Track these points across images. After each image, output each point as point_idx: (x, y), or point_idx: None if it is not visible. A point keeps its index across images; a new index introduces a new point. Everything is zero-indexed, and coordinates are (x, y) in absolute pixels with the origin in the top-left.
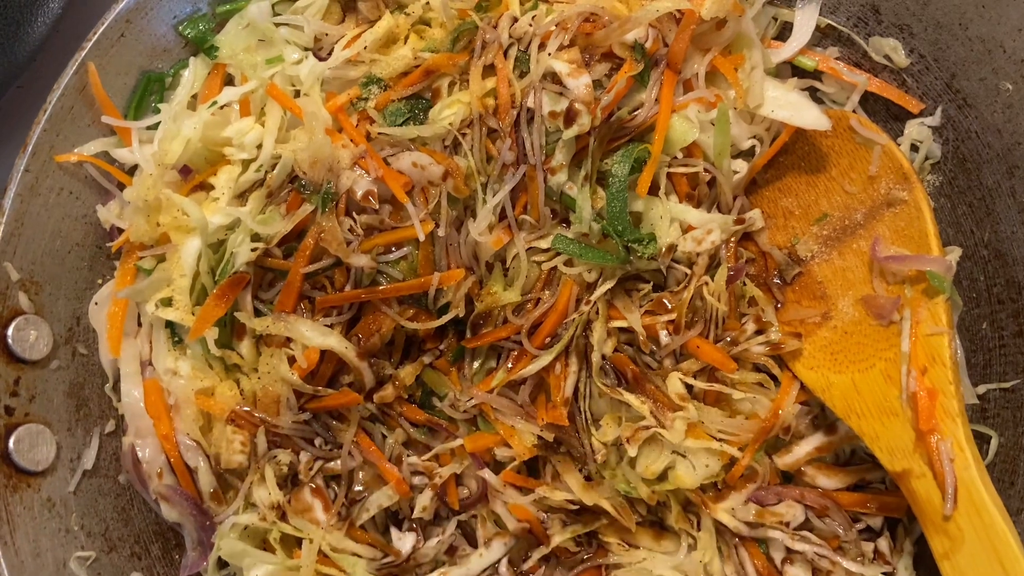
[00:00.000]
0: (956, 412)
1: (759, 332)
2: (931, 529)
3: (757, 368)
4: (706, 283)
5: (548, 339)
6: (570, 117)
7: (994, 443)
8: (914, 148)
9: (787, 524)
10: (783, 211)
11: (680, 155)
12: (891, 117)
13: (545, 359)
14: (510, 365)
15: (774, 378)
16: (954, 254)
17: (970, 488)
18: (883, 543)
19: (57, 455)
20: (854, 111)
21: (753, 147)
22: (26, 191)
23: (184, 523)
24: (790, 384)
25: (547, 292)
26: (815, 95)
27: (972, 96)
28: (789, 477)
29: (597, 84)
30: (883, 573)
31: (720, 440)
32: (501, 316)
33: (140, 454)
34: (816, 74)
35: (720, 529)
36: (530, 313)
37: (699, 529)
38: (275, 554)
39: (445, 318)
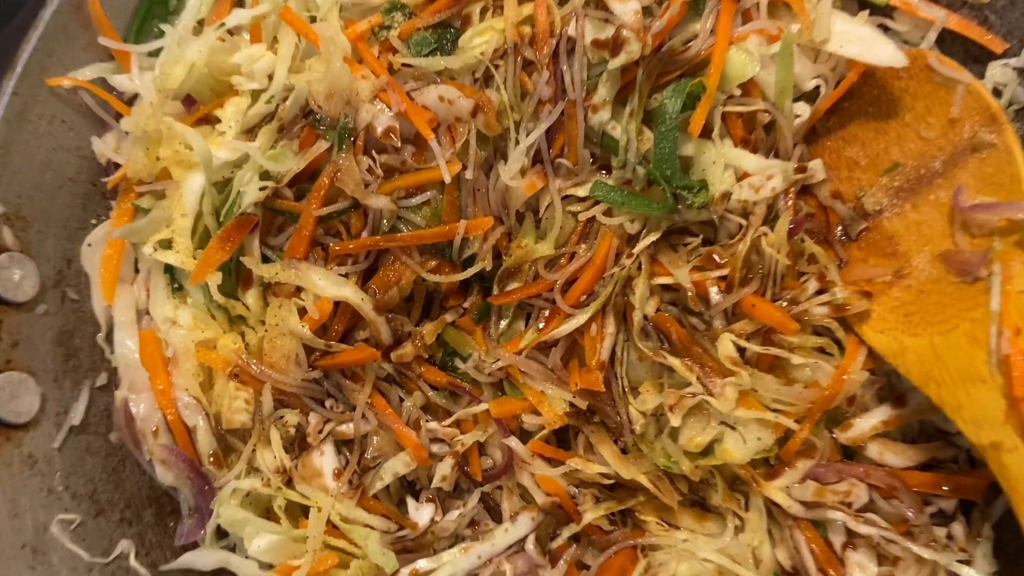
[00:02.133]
0: None
1: (821, 292)
2: None
3: (819, 332)
4: (764, 234)
5: (583, 297)
6: (616, 45)
7: None
8: (996, 92)
9: (849, 505)
10: (847, 162)
11: (737, 93)
12: (970, 59)
13: (580, 319)
14: (541, 325)
15: (838, 343)
16: None
17: None
18: (958, 528)
19: (41, 408)
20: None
21: (817, 88)
22: (14, 116)
23: (180, 487)
24: (856, 349)
25: (583, 245)
26: (885, 33)
27: None
28: (851, 454)
29: (647, 11)
30: (958, 561)
31: (775, 411)
32: (532, 271)
33: (134, 410)
34: (887, 10)
35: (772, 510)
36: (564, 268)
37: (748, 509)
38: (279, 523)
39: (471, 271)
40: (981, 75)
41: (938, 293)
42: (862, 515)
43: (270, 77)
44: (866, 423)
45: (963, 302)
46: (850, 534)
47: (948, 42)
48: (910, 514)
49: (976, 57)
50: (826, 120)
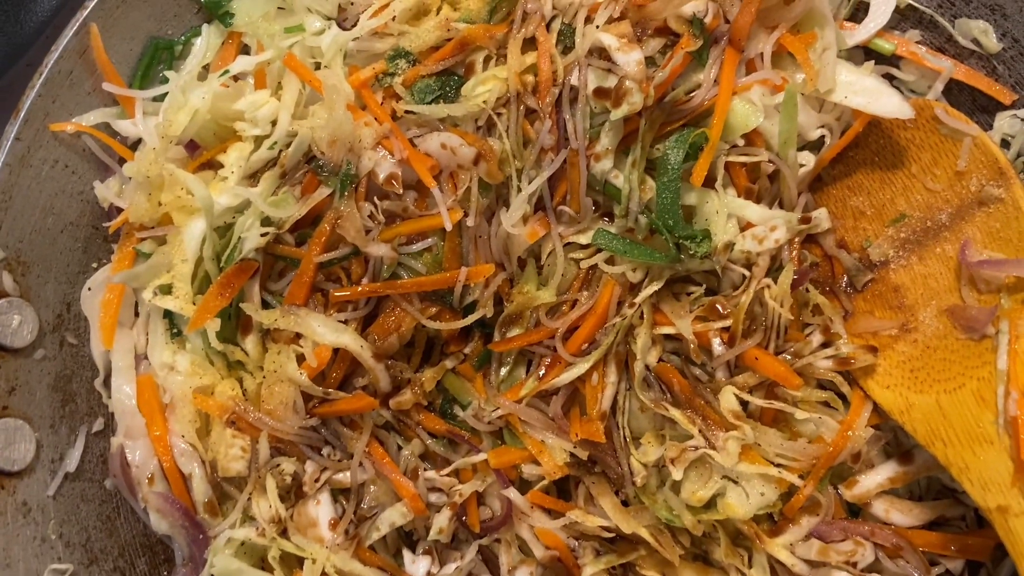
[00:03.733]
0: None
1: (826, 345)
2: None
3: (823, 386)
4: (767, 286)
5: (585, 345)
6: (619, 96)
7: None
8: (1005, 144)
9: (854, 564)
10: (853, 211)
11: (741, 143)
12: (978, 109)
13: (581, 367)
14: (542, 373)
15: (843, 397)
16: None
17: None
18: None
19: (37, 455)
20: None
21: (822, 138)
22: (16, 161)
23: (175, 536)
24: (861, 404)
25: (585, 293)
26: (892, 83)
27: None
28: (857, 511)
29: (650, 61)
30: None
31: (779, 466)
32: (533, 318)
33: (130, 457)
34: (894, 59)
35: (775, 567)
36: (566, 316)
37: (751, 566)
38: (274, 574)
39: (472, 318)
40: (989, 126)
41: (944, 349)
42: (867, 575)
43: (273, 123)
44: (872, 480)
45: (970, 359)
46: None
47: (956, 92)
48: (916, 575)
49: (984, 107)
50: (832, 168)
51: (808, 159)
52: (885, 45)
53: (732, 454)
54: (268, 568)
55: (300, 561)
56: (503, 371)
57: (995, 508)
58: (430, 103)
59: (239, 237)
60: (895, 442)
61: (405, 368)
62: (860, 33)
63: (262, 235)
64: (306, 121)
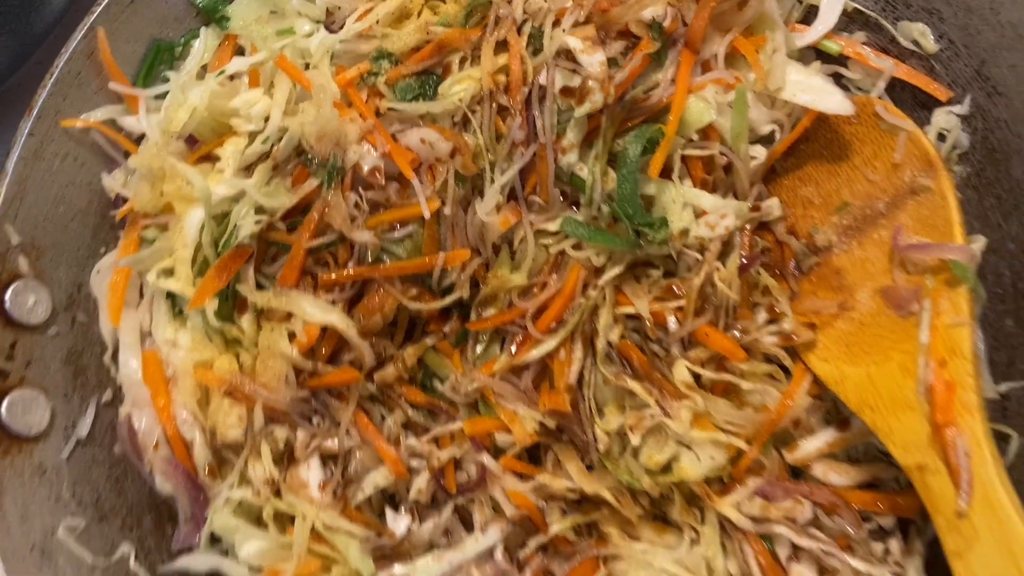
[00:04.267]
0: (975, 406)
1: (772, 322)
2: (944, 526)
3: (768, 359)
4: (717, 269)
5: (553, 324)
6: (583, 94)
7: (1015, 443)
8: (941, 137)
9: (794, 520)
10: (802, 200)
11: (696, 138)
12: (918, 105)
13: (550, 344)
14: (514, 349)
15: (786, 370)
16: (979, 243)
17: (986, 485)
18: (894, 543)
19: (51, 422)
20: (880, 98)
21: (773, 133)
22: (30, 155)
23: (178, 496)
24: (802, 376)
25: (554, 276)
26: (839, 81)
27: (1003, 84)
28: (798, 473)
29: (612, 62)
30: (892, 574)
31: (727, 432)
32: (507, 299)
33: (136, 425)
34: (841, 59)
35: (724, 524)
36: (536, 297)
37: (703, 523)
38: (268, 530)
39: (449, 299)
40: (928, 120)
41: (877, 326)
42: (806, 530)
43: (266, 120)
44: (811, 445)
45: (897, 335)
46: (795, 547)
47: (898, 89)
48: (850, 530)
49: (924, 104)
50: (784, 160)
51: (760, 152)
52: (832, 46)
53: (685, 422)
54: (263, 525)
55: (292, 519)
56: (479, 348)
57: (915, 466)
58: (411, 101)
59: (235, 224)
60: (834, 411)
61: (388, 345)
62: (810, 35)
63: (256, 223)
64: (296, 117)
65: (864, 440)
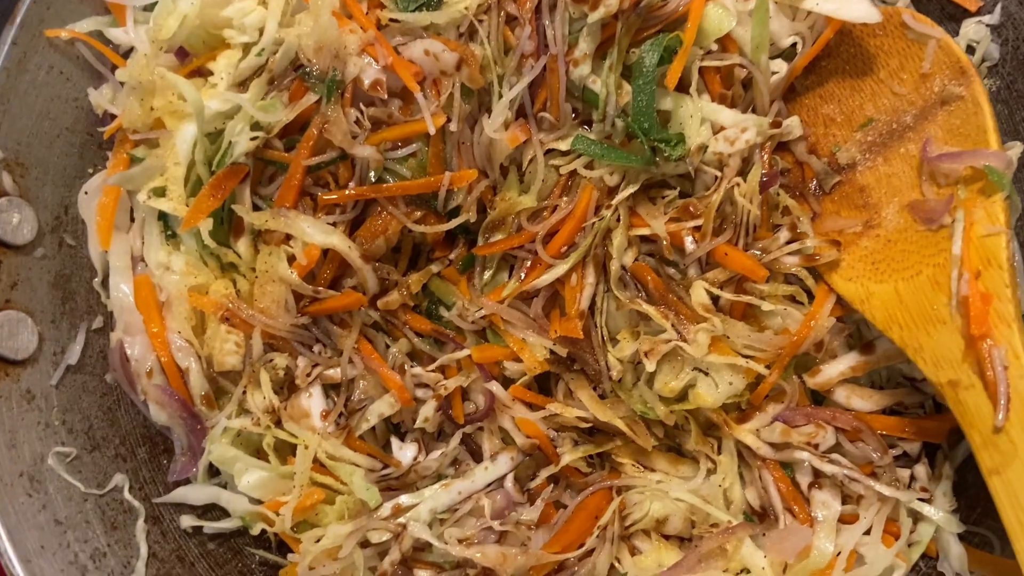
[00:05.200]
0: (1012, 317)
1: (793, 242)
2: (980, 443)
3: (789, 280)
4: (737, 184)
5: (564, 248)
6: (596, 0)
7: None
8: (970, 49)
9: (816, 447)
10: (824, 119)
11: (715, 48)
12: (945, 17)
13: (560, 269)
14: (523, 275)
15: (808, 291)
16: (1015, 150)
17: None
18: (920, 469)
19: (39, 346)
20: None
21: (794, 46)
22: (13, 65)
23: (173, 426)
24: (825, 297)
25: (565, 198)
26: None
27: None
28: (820, 399)
29: None
30: (919, 499)
31: (746, 356)
32: (515, 223)
33: (129, 351)
34: None
35: (743, 452)
36: (546, 220)
37: (720, 452)
38: (268, 461)
39: (455, 222)
40: (956, 32)
41: (904, 241)
42: (828, 456)
43: (261, 31)
44: (834, 369)
45: (927, 248)
46: (816, 474)
47: (924, 1)
48: (874, 455)
49: (952, 15)
50: (804, 78)
51: (781, 67)
52: None
53: (702, 345)
54: (263, 456)
55: (293, 449)
56: (486, 274)
57: (947, 383)
58: (413, 11)
59: (229, 142)
60: (857, 334)
61: (392, 270)
62: None
63: (252, 139)
64: (293, 29)
65: (889, 363)
